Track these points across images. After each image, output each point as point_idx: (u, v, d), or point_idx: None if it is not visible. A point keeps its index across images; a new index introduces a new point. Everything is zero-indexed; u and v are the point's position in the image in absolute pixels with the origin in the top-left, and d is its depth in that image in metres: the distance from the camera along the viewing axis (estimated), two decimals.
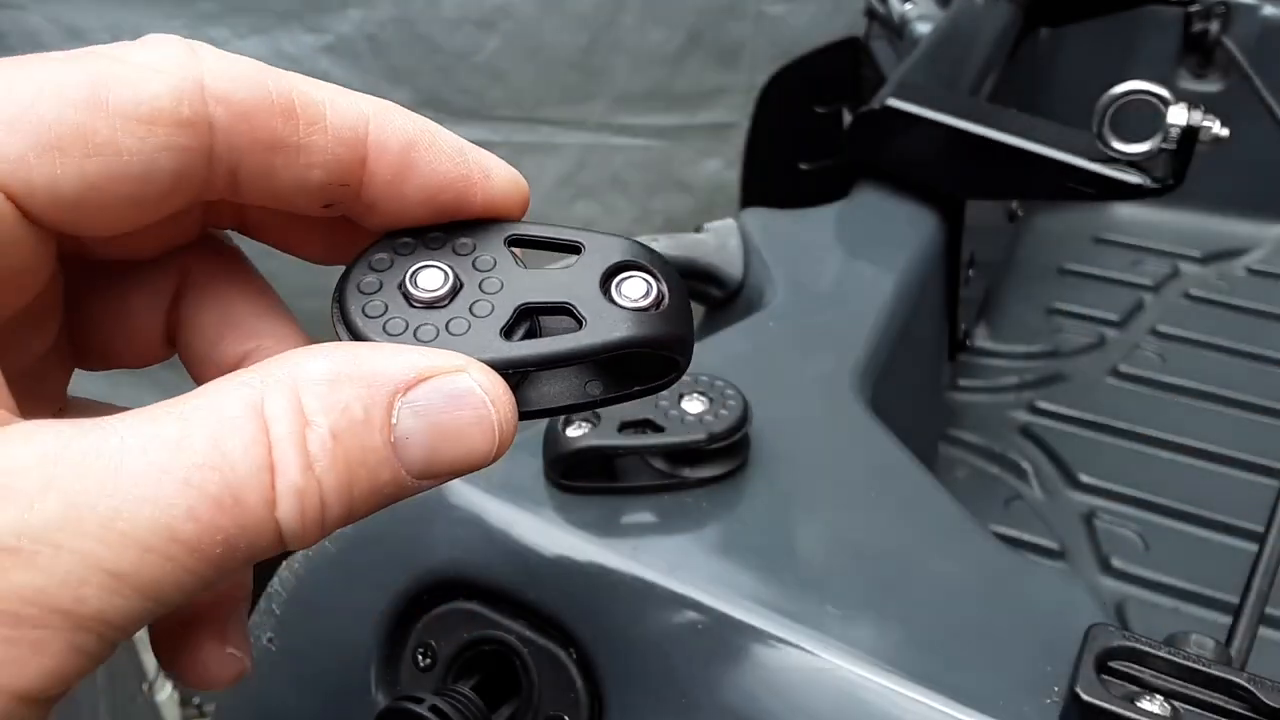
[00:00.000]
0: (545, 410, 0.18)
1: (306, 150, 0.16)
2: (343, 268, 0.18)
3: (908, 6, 0.64)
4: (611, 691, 0.27)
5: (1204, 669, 0.24)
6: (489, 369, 0.16)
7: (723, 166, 1.16)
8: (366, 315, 0.17)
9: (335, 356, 0.15)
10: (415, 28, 1.08)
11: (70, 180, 0.14)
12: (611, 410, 0.30)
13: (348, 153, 0.17)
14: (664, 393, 0.31)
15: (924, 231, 0.48)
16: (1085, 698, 0.23)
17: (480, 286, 0.17)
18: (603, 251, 0.18)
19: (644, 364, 0.18)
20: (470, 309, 0.17)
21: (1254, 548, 0.32)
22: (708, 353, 0.39)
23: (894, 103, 0.48)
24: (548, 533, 0.29)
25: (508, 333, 0.17)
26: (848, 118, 0.69)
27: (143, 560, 0.13)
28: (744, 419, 0.31)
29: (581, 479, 0.30)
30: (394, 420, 0.15)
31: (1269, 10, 0.66)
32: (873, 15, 0.70)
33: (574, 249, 0.18)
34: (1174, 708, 0.24)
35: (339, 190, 0.17)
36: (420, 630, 0.30)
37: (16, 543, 0.13)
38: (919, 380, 0.51)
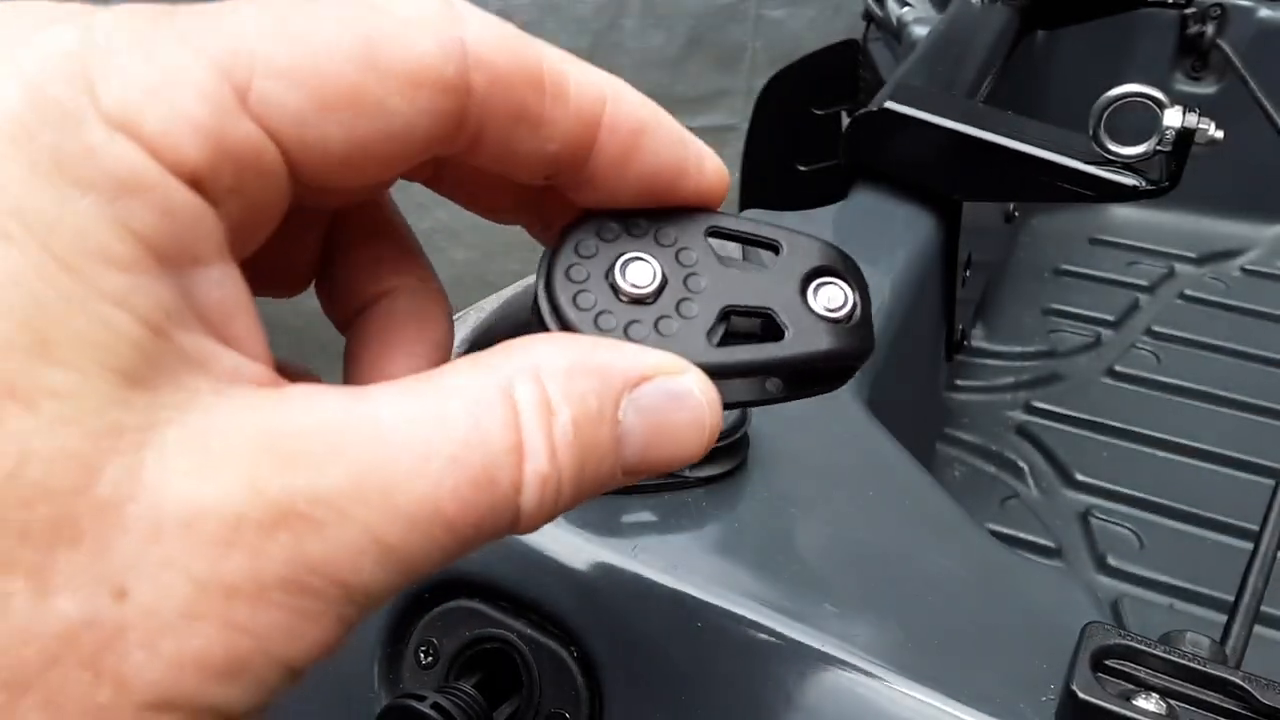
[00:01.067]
0: (727, 404, 0.18)
1: (549, 123, 0.16)
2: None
3: (905, 9, 0.64)
4: (612, 689, 0.28)
5: (1199, 667, 0.24)
6: (703, 373, 0.17)
7: None
8: (578, 308, 0.17)
9: (572, 350, 0.16)
10: None
11: (339, 140, 0.14)
12: None
13: (584, 130, 0.16)
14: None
15: (921, 233, 0.49)
16: (1081, 695, 0.24)
17: (685, 283, 0.18)
18: (801, 254, 0.18)
19: (829, 369, 0.19)
20: (677, 307, 0.17)
21: (1249, 546, 0.33)
22: None
23: (892, 105, 0.48)
24: (549, 531, 0.29)
25: (711, 334, 0.17)
26: (846, 120, 0.69)
27: (410, 535, 0.13)
28: (743, 418, 0.31)
29: None
30: (621, 416, 0.16)
31: (1264, 12, 0.66)
32: (870, 18, 0.70)
33: (773, 247, 0.18)
34: (1170, 706, 0.24)
35: (565, 165, 0.17)
36: (422, 628, 0.30)
37: (310, 509, 0.13)
38: (917, 380, 0.51)
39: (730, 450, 0.31)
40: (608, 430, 0.16)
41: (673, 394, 0.16)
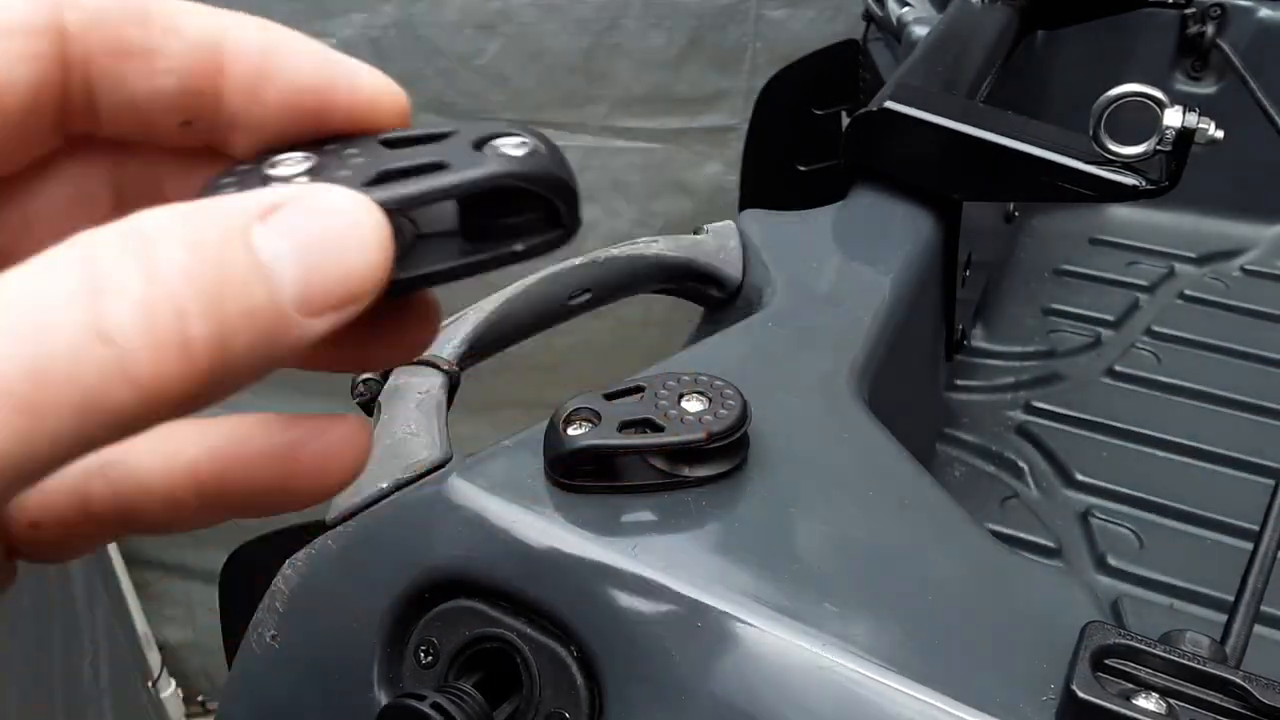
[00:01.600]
0: (426, 276, 0.16)
1: (160, 55, 0.16)
2: None
3: (905, 9, 0.64)
4: (612, 688, 0.28)
5: (1199, 667, 0.24)
6: (349, 189, 0.15)
7: (723, 170, 1.16)
8: (213, 190, 0.16)
9: (179, 205, 0.14)
10: (417, 32, 1.08)
11: None
12: (611, 410, 0.31)
13: (203, 57, 0.16)
14: (663, 392, 0.31)
15: (921, 233, 0.49)
16: (1081, 695, 0.24)
17: (344, 162, 0.16)
18: (478, 128, 0.17)
19: (524, 217, 0.17)
20: (331, 179, 0.16)
21: (1249, 546, 0.33)
22: (707, 353, 0.39)
23: (891, 105, 0.48)
24: (549, 531, 0.29)
25: (371, 186, 0.16)
26: (846, 120, 0.69)
27: None
28: (743, 419, 0.31)
29: (582, 478, 0.31)
30: (257, 242, 0.14)
31: (1265, 13, 0.66)
32: (870, 18, 0.70)
33: (447, 135, 0.17)
34: (1170, 705, 0.24)
35: (194, 100, 0.16)
36: (422, 628, 0.30)
37: None
38: (916, 380, 0.51)
39: (730, 450, 0.31)
40: (240, 252, 0.14)
41: (316, 209, 0.14)
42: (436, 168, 0.16)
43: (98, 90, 0.16)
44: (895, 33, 0.65)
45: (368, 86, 0.17)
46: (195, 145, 0.17)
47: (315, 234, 0.14)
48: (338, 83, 0.17)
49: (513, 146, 0.16)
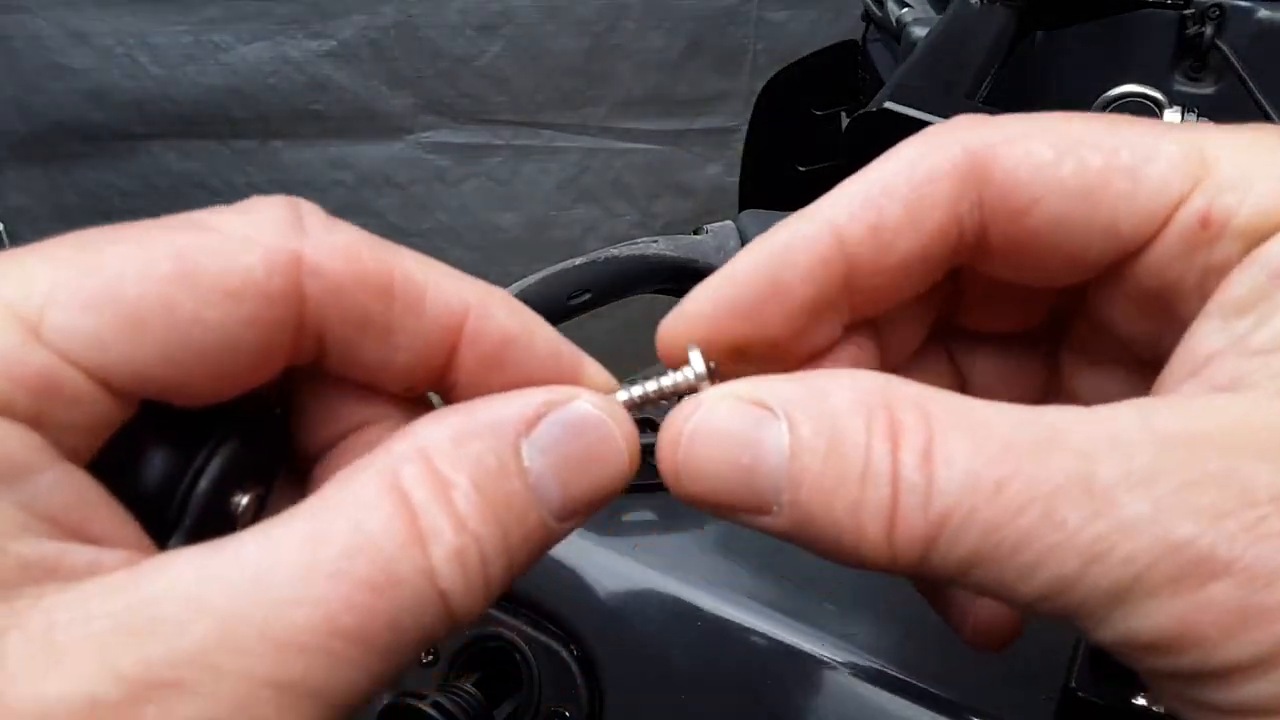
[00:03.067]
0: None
1: (399, 332, 0.16)
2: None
3: (904, 10, 0.64)
4: (612, 687, 0.28)
5: None
6: (595, 391, 0.16)
7: (723, 171, 1.17)
8: None
9: (451, 418, 0.15)
10: (418, 32, 1.08)
11: (152, 357, 0.14)
12: None
13: (439, 340, 0.16)
14: (664, 392, 0.32)
15: None
16: (1080, 692, 0.24)
17: None
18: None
19: None
20: None
21: None
22: None
23: (891, 106, 0.48)
24: None
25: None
26: (845, 120, 0.69)
27: (308, 665, 0.13)
28: None
29: None
30: (526, 463, 0.15)
31: (1264, 13, 0.66)
32: (870, 19, 0.70)
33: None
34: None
35: (423, 373, 0.17)
36: None
37: (175, 674, 0.12)
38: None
39: None
40: (517, 481, 0.15)
41: (570, 423, 0.16)
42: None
43: (329, 349, 0.16)
44: (894, 33, 0.65)
45: (591, 381, 0.18)
46: (413, 395, 0.17)
47: (572, 449, 0.16)
48: (564, 378, 0.17)
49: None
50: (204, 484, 0.15)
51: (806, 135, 0.77)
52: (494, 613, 0.29)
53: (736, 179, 0.82)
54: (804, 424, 0.15)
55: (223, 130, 1.11)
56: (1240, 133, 0.16)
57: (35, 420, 0.13)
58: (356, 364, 0.16)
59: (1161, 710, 0.24)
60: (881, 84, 0.52)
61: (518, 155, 1.16)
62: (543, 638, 0.28)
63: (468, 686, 0.28)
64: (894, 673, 0.26)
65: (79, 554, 0.13)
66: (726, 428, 0.16)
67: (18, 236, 1.16)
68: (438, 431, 0.15)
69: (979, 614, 0.20)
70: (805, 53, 0.75)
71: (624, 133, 1.16)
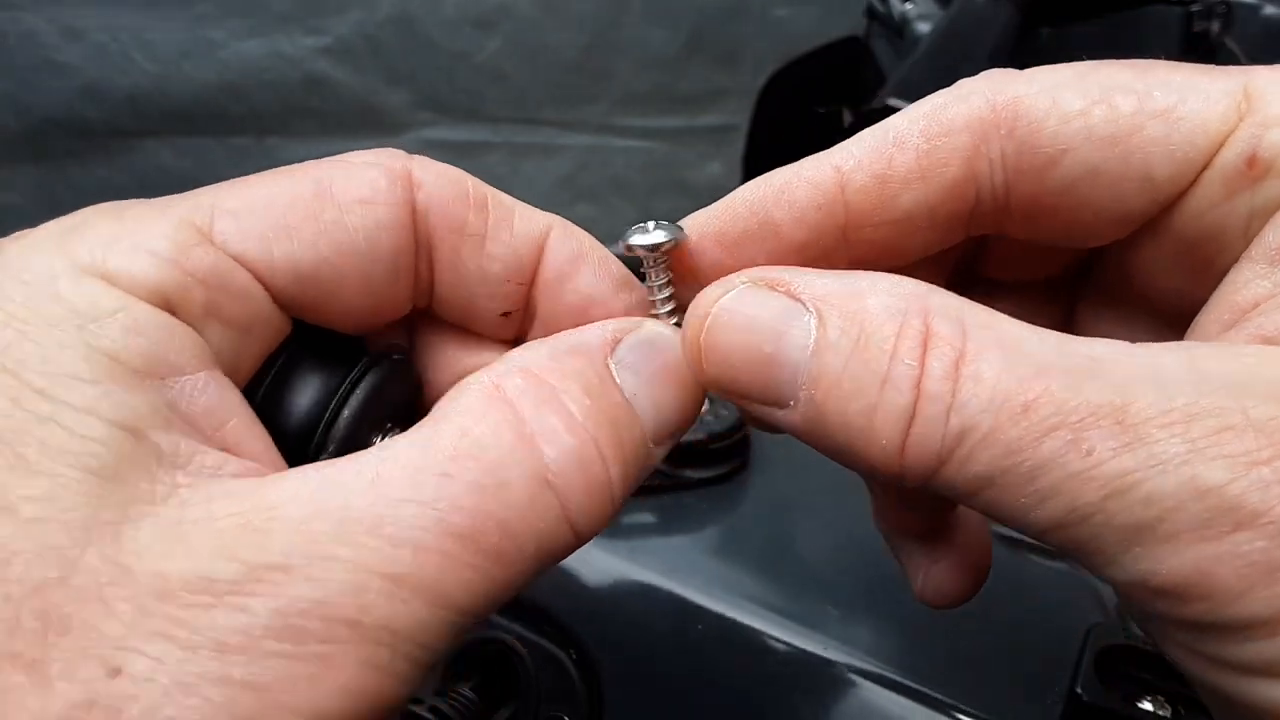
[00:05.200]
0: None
1: (491, 240, 0.17)
2: None
3: (908, 6, 0.64)
4: (610, 691, 0.27)
5: None
6: (658, 320, 0.17)
7: (724, 168, 1.16)
8: None
9: (544, 343, 0.16)
10: (415, 28, 1.08)
11: (307, 256, 0.16)
12: None
13: (526, 250, 0.18)
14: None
15: None
16: (1085, 697, 0.23)
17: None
18: None
19: None
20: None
21: None
22: None
23: (894, 102, 0.48)
24: None
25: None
26: (848, 117, 0.69)
27: (419, 561, 0.13)
28: (744, 420, 0.31)
29: None
30: (618, 380, 0.16)
31: (1270, 10, 0.66)
32: (873, 15, 0.70)
33: None
34: (1174, 708, 0.24)
35: (514, 290, 0.18)
36: None
37: (288, 560, 0.13)
38: None
39: (731, 451, 0.31)
40: (618, 395, 0.16)
41: (646, 341, 0.17)
42: None
43: (436, 264, 0.17)
44: (898, 29, 0.64)
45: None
46: (505, 338, 0.19)
47: (658, 369, 0.17)
48: (619, 296, 0.18)
49: None
50: (346, 414, 0.16)
51: (808, 132, 0.77)
52: (493, 617, 0.29)
53: (737, 176, 0.81)
54: (833, 320, 0.15)
55: (218, 127, 1.11)
56: None
57: (202, 318, 0.15)
58: (460, 283, 0.17)
59: (1166, 715, 0.23)
60: (884, 80, 0.52)
61: (516, 152, 1.16)
62: (541, 641, 0.28)
63: (466, 691, 0.27)
64: (896, 676, 0.26)
65: (209, 456, 0.14)
66: (752, 313, 0.16)
67: (11, 233, 1.16)
68: (534, 352, 0.16)
69: (934, 571, 0.20)
70: (807, 49, 0.75)
71: (624, 130, 1.16)
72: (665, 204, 1.19)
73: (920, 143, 0.16)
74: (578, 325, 0.18)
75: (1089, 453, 0.13)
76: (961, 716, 0.25)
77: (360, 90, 1.10)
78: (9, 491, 0.12)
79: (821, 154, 0.17)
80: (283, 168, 0.16)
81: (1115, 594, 0.14)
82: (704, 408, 0.32)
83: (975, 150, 0.16)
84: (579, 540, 0.15)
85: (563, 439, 0.14)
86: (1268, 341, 0.14)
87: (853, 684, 0.26)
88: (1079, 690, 0.24)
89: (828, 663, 0.26)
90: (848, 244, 0.17)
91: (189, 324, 0.15)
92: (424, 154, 0.17)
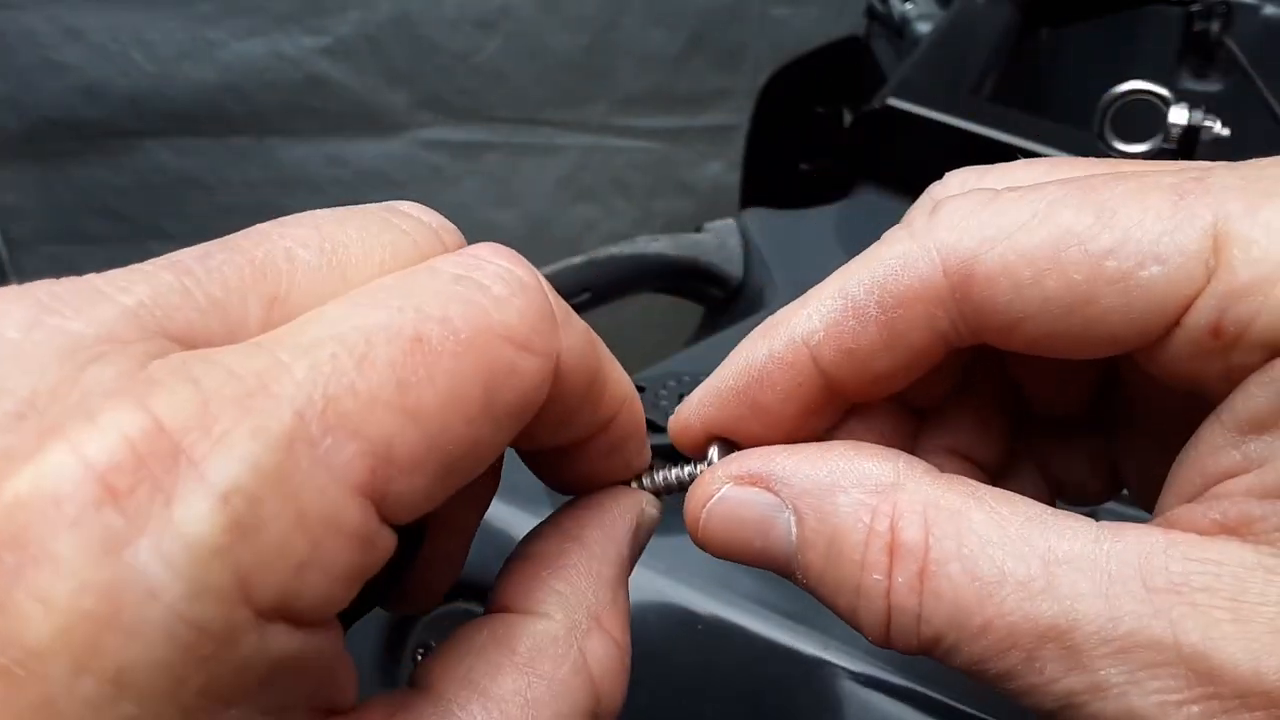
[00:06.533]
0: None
1: (577, 420, 0.17)
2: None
3: (908, 6, 0.64)
4: None
5: None
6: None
7: (724, 169, 1.16)
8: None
9: (603, 582, 0.18)
10: (415, 29, 1.08)
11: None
12: None
13: (599, 425, 0.18)
14: (664, 392, 0.31)
15: None
16: None
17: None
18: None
19: None
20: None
21: None
22: (708, 353, 0.38)
23: (894, 102, 0.48)
24: None
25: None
26: (848, 117, 0.69)
27: None
28: None
29: None
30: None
31: (1270, 10, 0.66)
32: (873, 15, 0.70)
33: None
34: None
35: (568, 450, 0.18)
36: (420, 630, 0.30)
37: None
38: None
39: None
40: (626, 589, 0.19)
41: (646, 529, 0.19)
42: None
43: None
44: (898, 29, 0.64)
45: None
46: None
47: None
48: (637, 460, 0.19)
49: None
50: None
51: (808, 132, 0.77)
52: None
53: (738, 177, 0.81)
54: (809, 520, 0.16)
55: (218, 127, 1.10)
56: (1262, 194, 0.14)
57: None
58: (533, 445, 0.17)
59: None
60: (884, 80, 0.52)
61: (516, 153, 1.16)
62: None
63: None
64: (896, 677, 0.26)
65: None
66: (738, 514, 0.17)
67: (11, 234, 1.16)
68: (598, 594, 0.17)
69: None
70: (807, 49, 0.75)
71: (624, 130, 1.16)
72: (665, 204, 1.19)
73: (878, 314, 0.17)
74: (594, 481, 0.19)
75: (1041, 670, 0.14)
76: (961, 717, 0.25)
77: (360, 90, 1.10)
78: None
79: (784, 321, 0.18)
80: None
81: None
82: None
83: (933, 317, 0.16)
84: None
85: (612, 670, 0.16)
86: (1228, 530, 0.14)
87: (853, 685, 0.26)
88: None
89: (828, 663, 0.26)
90: (842, 394, 0.18)
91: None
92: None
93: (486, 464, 0.14)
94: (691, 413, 0.19)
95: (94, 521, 0.10)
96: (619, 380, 0.17)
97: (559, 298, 0.16)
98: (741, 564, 0.18)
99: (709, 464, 0.19)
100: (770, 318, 0.18)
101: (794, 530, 0.16)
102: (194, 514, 0.11)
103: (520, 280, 0.14)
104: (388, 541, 0.13)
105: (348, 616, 0.13)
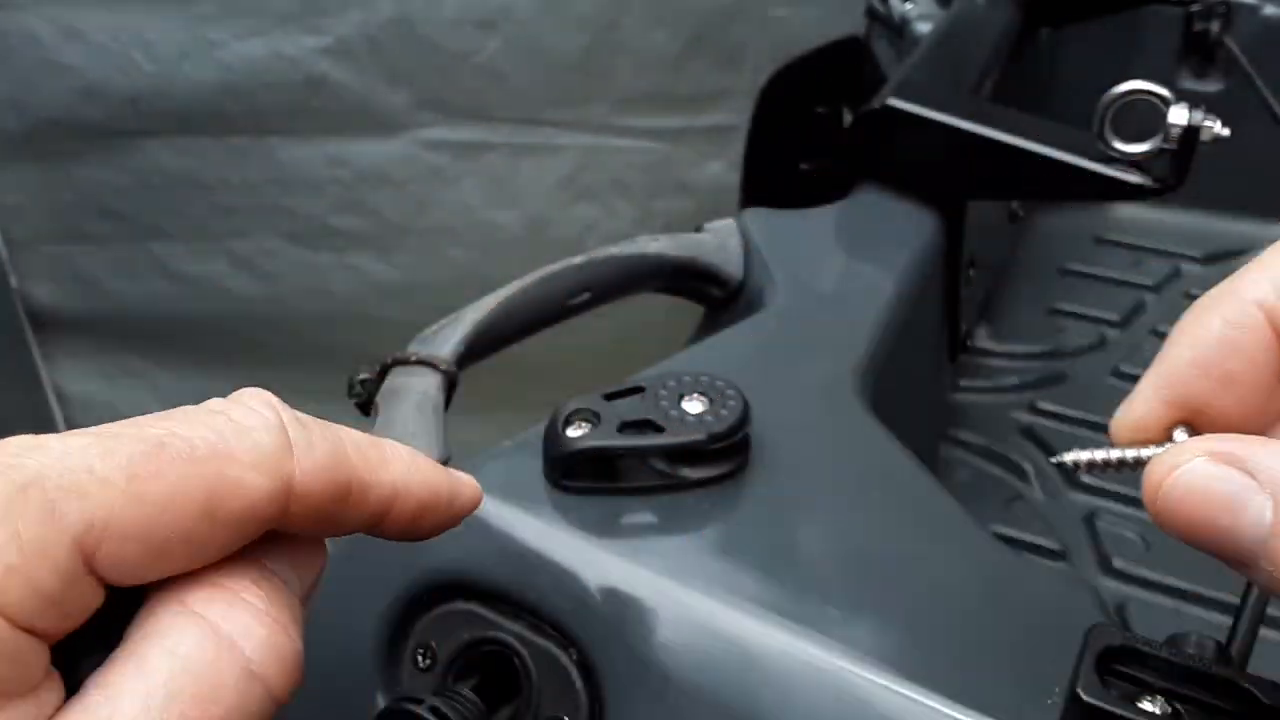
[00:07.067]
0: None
1: (344, 525, 0.19)
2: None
3: (908, 6, 0.64)
4: (611, 693, 0.27)
5: (1204, 670, 0.24)
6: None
7: (725, 169, 1.16)
8: None
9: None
10: (415, 29, 1.08)
11: (157, 570, 0.16)
12: (611, 411, 0.30)
13: (373, 520, 0.19)
14: (664, 392, 0.31)
15: (925, 232, 0.48)
16: (1085, 698, 0.23)
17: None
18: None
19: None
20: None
21: None
22: (708, 353, 0.39)
23: (895, 102, 0.48)
24: (548, 533, 0.29)
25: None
26: (848, 117, 0.69)
27: None
28: (744, 419, 0.31)
29: (581, 479, 0.30)
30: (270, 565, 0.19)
31: (1270, 10, 0.66)
32: (873, 15, 0.70)
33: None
34: (1174, 709, 0.24)
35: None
36: (420, 631, 0.30)
37: None
38: (919, 381, 0.51)
39: (731, 451, 0.31)
40: (277, 577, 0.19)
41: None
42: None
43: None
44: (898, 29, 0.64)
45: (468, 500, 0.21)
46: None
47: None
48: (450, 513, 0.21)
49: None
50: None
51: (809, 132, 0.77)
52: (493, 617, 0.29)
53: (738, 177, 0.81)
54: None
55: (218, 127, 1.10)
56: None
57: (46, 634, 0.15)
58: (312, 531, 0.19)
59: (1167, 715, 0.23)
60: (885, 80, 0.52)
61: (516, 153, 1.15)
62: (542, 642, 0.28)
63: (465, 691, 0.27)
64: (898, 679, 0.26)
65: None
66: (1206, 487, 0.17)
67: (11, 235, 1.16)
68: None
69: None
70: (807, 49, 0.74)
71: (624, 130, 1.16)
72: (665, 204, 1.19)
73: None
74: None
75: None
76: (961, 717, 0.25)
77: (360, 90, 1.10)
78: None
79: (1232, 289, 0.17)
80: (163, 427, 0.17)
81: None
82: (702, 408, 0.32)
83: None
84: (280, 705, 0.17)
85: (256, 632, 0.16)
86: None
87: (853, 685, 0.26)
88: (1079, 690, 0.24)
89: (829, 666, 0.26)
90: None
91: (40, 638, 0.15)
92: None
93: (210, 555, 0.17)
94: (1151, 395, 0.18)
95: None
96: (383, 483, 0.19)
97: (324, 430, 0.18)
98: (1193, 542, 0.17)
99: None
100: (1209, 292, 0.18)
101: (1269, 516, 0.16)
102: None
103: (264, 418, 0.17)
104: (92, 589, 0.15)
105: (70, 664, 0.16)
